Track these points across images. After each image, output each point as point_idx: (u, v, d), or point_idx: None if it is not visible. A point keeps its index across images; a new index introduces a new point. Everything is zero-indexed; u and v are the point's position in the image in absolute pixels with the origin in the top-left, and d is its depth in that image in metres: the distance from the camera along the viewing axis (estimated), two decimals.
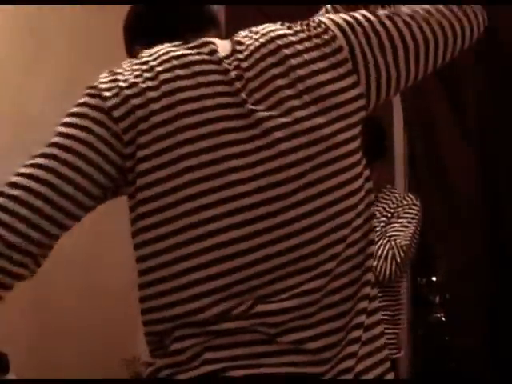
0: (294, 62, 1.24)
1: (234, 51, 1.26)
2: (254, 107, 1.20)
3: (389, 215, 2.58)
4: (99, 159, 1.19)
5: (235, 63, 1.24)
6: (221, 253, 1.17)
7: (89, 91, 1.25)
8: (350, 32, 1.29)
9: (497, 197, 2.79)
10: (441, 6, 1.41)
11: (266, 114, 1.20)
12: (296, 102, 1.21)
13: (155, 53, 1.26)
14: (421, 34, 1.36)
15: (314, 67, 1.24)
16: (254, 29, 1.32)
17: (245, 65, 1.24)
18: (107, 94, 1.21)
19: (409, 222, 2.55)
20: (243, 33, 1.33)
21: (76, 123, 1.20)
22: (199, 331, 1.17)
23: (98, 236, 3.24)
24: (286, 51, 1.25)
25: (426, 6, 1.40)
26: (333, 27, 1.30)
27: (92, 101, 1.22)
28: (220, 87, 1.21)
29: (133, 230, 1.29)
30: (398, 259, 2.44)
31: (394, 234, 2.51)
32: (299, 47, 1.26)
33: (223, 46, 1.29)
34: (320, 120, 1.21)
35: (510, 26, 2.74)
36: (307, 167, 1.19)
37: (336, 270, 1.19)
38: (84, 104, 1.23)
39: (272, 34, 1.27)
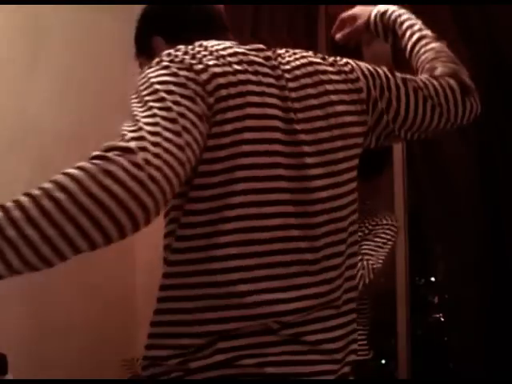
0: (327, 87, 1.38)
1: (279, 63, 1.38)
2: (295, 117, 1.33)
3: (366, 231, 2.56)
4: (202, 129, 1.22)
5: (281, 72, 1.36)
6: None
7: (178, 65, 1.26)
8: (370, 81, 1.45)
9: (496, 197, 2.79)
10: (452, 84, 1.59)
11: (303, 136, 1.33)
12: (323, 124, 1.36)
13: (220, 45, 1.34)
14: (422, 107, 1.50)
15: (342, 96, 1.39)
16: (289, 50, 1.44)
17: (288, 76, 1.36)
18: (198, 67, 1.26)
19: (384, 244, 2.52)
20: (280, 50, 1.44)
21: (182, 93, 1.21)
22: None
23: None
24: (322, 77, 1.39)
25: (440, 82, 1.57)
26: (357, 70, 1.45)
27: (188, 73, 1.25)
28: (274, 89, 1.33)
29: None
30: (367, 280, 2.43)
31: (367, 252, 2.49)
32: (331, 76, 1.40)
33: None
34: (339, 143, 1.37)
35: (510, 25, 2.75)
36: (329, 194, 1.34)
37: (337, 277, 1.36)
38: (177, 74, 1.24)
39: (310, 59, 1.42)
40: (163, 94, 1.19)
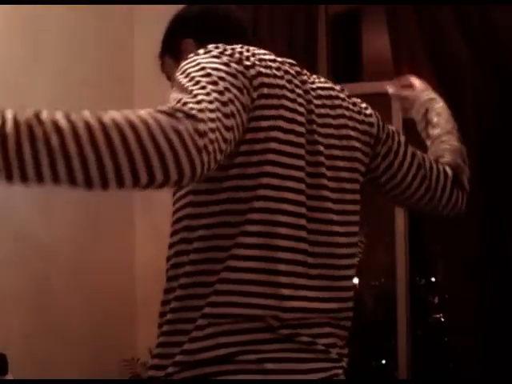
0: (345, 112, 1.47)
1: (306, 80, 1.45)
2: (316, 129, 1.41)
3: None
4: (244, 119, 1.29)
5: (308, 88, 1.44)
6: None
7: (229, 58, 1.33)
8: (381, 124, 1.55)
9: (496, 197, 2.79)
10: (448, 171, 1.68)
11: (321, 147, 1.41)
12: (336, 142, 1.44)
13: (259, 50, 1.41)
14: (420, 182, 1.59)
15: (355, 124, 1.49)
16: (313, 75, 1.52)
17: (313, 94, 1.44)
18: (247, 63, 1.33)
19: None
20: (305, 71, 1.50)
21: (232, 82, 1.28)
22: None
23: (98, 236, 3.24)
24: (341, 102, 1.48)
25: (438, 165, 1.66)
26: (371, 109, 1.57)
27: (238, 66, 1.31)
28: (302, 100, 1.40)
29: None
30: None
31: None
32: (348, 105, 1.50)
33: None
34: (346, 164, 1.45)
35: (510, 25, 2.75)
36: (340, 208, 1.42)
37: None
38: (229, 65, 1.31)
39: (331, 85, 1.51)
40: (216, 79, 1.25)
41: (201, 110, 1.15)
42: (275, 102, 1.34)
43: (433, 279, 4.19)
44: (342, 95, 1.50)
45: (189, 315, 1.31)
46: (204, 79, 1.23)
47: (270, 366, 1.29)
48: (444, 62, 2.87)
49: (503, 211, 2.78)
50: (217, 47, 1.34)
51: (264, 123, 1.32)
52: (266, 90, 1.33)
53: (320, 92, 1.46)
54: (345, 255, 1.43)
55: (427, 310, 4.30)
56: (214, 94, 1.21)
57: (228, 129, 1.20)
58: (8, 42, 2.84)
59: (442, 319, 4.04)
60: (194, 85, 1.22)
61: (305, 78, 1.45)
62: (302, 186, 1.36)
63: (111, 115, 1.09)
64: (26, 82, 2.88)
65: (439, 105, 1.95)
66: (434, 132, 1.85)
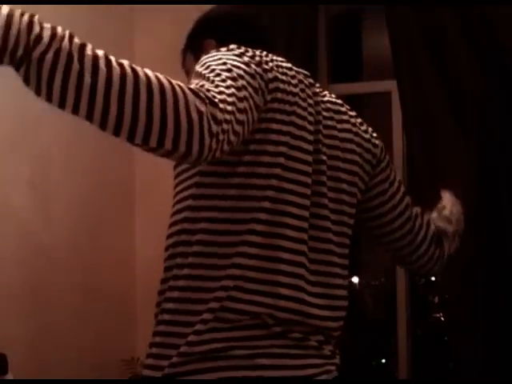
0: (352, 128, 1.52)
1: (319, 92, 1.50)
2: (322, 139, 1.46)
3: None
4: (255, 118, 1.33)
5: (319, 99, 1.48)
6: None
7: (250, 59, 1.37)
8: (384, 151, 1.60)
9: (496, 197, 2.79)
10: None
11: (323, 156, 1.45)
12: (339, 154, 1.48)
13: (278, 57, 1.45)
14: (405, 220, 1.64)
15: (361, 141, 1.54)
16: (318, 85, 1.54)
17: (323, 106, 1.48)
18: (266, 66, 1.37)
19: None
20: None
21: (249, 81, 1.31)
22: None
23: (98, 236, 3.24)
24: (349, 118, 1.54)
25: (429, 221, 1.73)
26: (381, 147, 1.61)
27: (257, 68, 1.35)
28: (312, 109, 1.45)
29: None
30: None
31: None
32: (357, 124, 1.55)
33: None
34: (344, 176, 1.50)
35: (510, 25, 2.74)
36: (336, 218, 1.47)
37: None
38: (249, 65, 1.35)
39: (341, 101, 1.56)
40: (235, 75, 1.29)
41: (221, 100, 1.19)
42: (287, 107, 1.39)
43: (433, 279, 4.20)
44: (350, 113, 1.56)
45: (194, 307, 1.33)
46: (224, 73, 1.27)
47: (262, 361, 1.32)
48: (444, 62, 2.87)
49: (503, 211, 2.78)
50: (239, 47, 1.39)
51: (275, 126, 1.37)
52: (279, 95, 1.38)
53: (329, 105, 1.51)
54: (339, 264, 1.46)
55: (427, 309, 4.30)
56: (233, 89, 1.24)
57: (239, 123, 1.24)
58: None
59: (442, 319, 4.04)
60: (216, 76, 1.26)
61: (316, 90, 1.50)
62: (308, 192, 1.40)
63: (148, 71, 1.15)
64: None
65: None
66: (440, 208, 1.86)
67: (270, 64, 1.39)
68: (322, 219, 1.43)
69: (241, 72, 1.30)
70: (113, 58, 1.14)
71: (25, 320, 2.82)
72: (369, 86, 3.56)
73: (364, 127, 1.58)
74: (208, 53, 1.37)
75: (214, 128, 1.15)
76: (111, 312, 3.28)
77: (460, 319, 2.89)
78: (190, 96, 1.14)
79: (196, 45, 1.61)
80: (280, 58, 1.45)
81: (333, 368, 1.42)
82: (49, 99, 1.13)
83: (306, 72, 1.51)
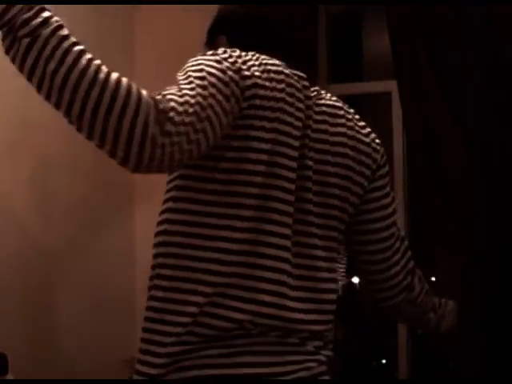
0: (348, 132, 1.50)
1: (314, 96, 1.49)
2: (308, 144, 1.44)
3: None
4: (224, 124, 1.33)
5: (311, 103, 1.47)
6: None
7: (229, 65, 1.37)
8: (385, 159, 1.57)
9: (496, 197, 2.79)
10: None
11: (309, 162, 1.43)
12: (330, 158, 1.47)
13: (270, 60, 1.44)
14: (387, 236, 1.58)
15: (357, 144, 1.51)
16: (329, 96, 1.54)
17: (316, 109, 1.47)
18: (245, 73, 1.37)
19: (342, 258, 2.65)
20: (322, 92, 1.53)
21: (221, 89, 1.33)
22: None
23: (98, 236, 3.24)
24: (347, 123, 1.51)
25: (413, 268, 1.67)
26: (378, 141, 1.58)
27: (234, 75, 1.36)
28: (301, 114, 1.43)
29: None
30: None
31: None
32: (356, 127, 1.53)
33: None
34: (335, 180, 1.48)
35: (510, 25, 2.74)
36: (321, 222, 1.46)
37: None
38: (225, 72, 1.35)
39: (341, 104, 1.54)
40: (206, 83, 1.30)
41: (179, 112, 1.22)
42: (269, 114, 1.38)
43: (433, 279, 4.20)
44: (349, 116, 1.54)
45: (177, 308, 1.36)
46: (197, 81, 1.30)
47: (240, 359, 1.34)
48: (444, 62, 2.86)
49: (503, 211, 2.78)
50: (224, 52, 1.39)
51: (254, 133, 1.37)
52: (258, 102, 1.37)
53: (325, 109, 1.50)
54: (325, 269, 1.46)
55: None
56: (199, 97, 1.27)
57: (199, 131, 1.25)
58: None
59: None
60: (187, 84, 1.29)
61: (311, 93, 1.48)
62: (292, 198, 1.40)
63: (114, 76, 1.18)
64: (26, 81, 2.87)
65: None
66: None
67: (253, 69, 1.39)
68: (306, 225, 1.43)
69: (213, 80, 1.32)
70: (87, 56, 1.18)
71: (25, 320, 2.82)
72: (369, 86, 3.56)
73: (365, 131, 1.56)
74: (197, 55, 1.39)
75: (159, 139, 1.18)
76: (111, 312, 3.28)
77: (460, 320, 2.89)
78: (144, 106, 1.17)
79: (211, 39, 1.62)
80: (271, 61, 1.44)
81: (314, 364, 1.42)
82: (21, 72, 1.26)
83: (300, 74, 1.49)
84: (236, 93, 1.34)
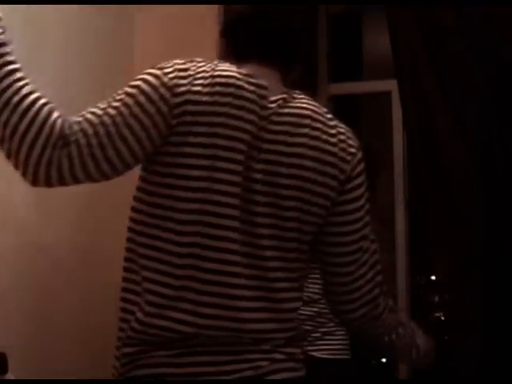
0: (310, 143, 1.44)
1: (274, 105, 1.45)
2: (257, 157, 1.42)
3: None
4: (154, 121, 1.39)
5: (267, 114, 1.44)
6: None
7: (164, 81, 1.41)
8: (358, 170, 1.49)
9: (496, 197, 2.79)
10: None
11: (257, 175, 1.42)
12: (283, 171, 1.43)
13: (225, 72, 1.44)
14: (356, 249, 1.52)
15: (320, 155, 1.45)
16: (307, 103, 1.49)
17: (275, 119, 1.44)
18: (179, 90, 1.40)
19: None
20: (294, 96, 1.50)
21: (144, 108, 1.39)
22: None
23: (98, 236, 3.24)
24: (311, 132, 1.45)
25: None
26: (358, 153, 1.51)
27: (165, 92, 1.40)
28: (251, 126, 1.41)
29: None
30: None
31: None
32: (323, 136, 1.46)
33: (274, 89, 1.48)
34: (294, 193, 1.44)
35: (510, 25, 2.74)
36: (275, 233, 1.43)
37: None
38: (157, 90, 1.41)
39: (309, 112, 1.47)
40: (132, 103, 1.39)
41: (86, 135, 1.36)
42: (206, 129, 1.39)
43: (433, 278, 4.20)
44: (316, 125, 1.47)
45: (130, 308, 1.43)
46: (126, 99, 1.40)
47: (190, 359, 1.38)
48: (444, 61, 2.86)
49: (503, 211, 2.78)
50: (172, 65, 1.44)
51: (189, 149, 1.39)
52: (189, 118, 1.39)
53: (286, 118, 1.45)
54: (282, 279, 1.44)
55: (427, 309, 4.30)
56: (117, 118, 1.37)
57: (107, 149, 1.36)
58: None
59: (442, 318, 4.04)
60: (114, 101, 1.41)
61: (268, 103, 1.45)
62: (236, 213, 1.39)
63: (36, 98, 1.35)
64: None
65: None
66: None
67: (192, 84, 1.40)
68: (256, 238, 1.41)
69: (141, 98, 1.38)
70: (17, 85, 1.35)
71: (25, 319, 2.83)
72: (369, 85, 3.56)
73: (334, 140, 1.47)
74: (154, 67, 1.46)
75: (55, 159, 1.34)
76: (111, 311, 3.28)
77: (460, 319, 2.89)
78: (47, 129, 1.33)
79: (220, 40, 1.63)
80: (225, 73, 1.43)
81: (265, 363, 1.41)
82: None
83: (262, 83, 1.46)
84: (162, 110, 1.38)
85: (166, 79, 1.40)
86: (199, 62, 1.45)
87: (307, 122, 1.46)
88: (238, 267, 1.39)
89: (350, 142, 1.51)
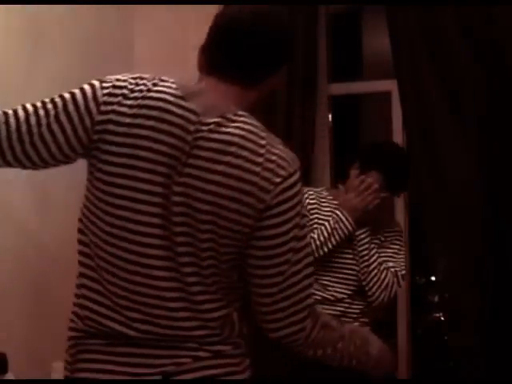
0: (228, 170, 1.43)
1: (205, 122, 1.45)
2: (180, 170, 1.44)
3: (382, 239, 2.67)
4: (75, 129, 1.48)
5: (193, 129, 1.45)
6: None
7: (99, 98, 1.48)
8: (280, 199, 1.46)
9: (496, 196, 2.79)
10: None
11: (177, 188, 1.44)
12: (202, 185, 1.44)
13: (162, 88, 1.47)
14: (277, 273, 1.49)
15: (236, 184, 1.43)
16: (251, 122, 1.49)
17: (204, 135, 1.45)
18: (105, 108, 1.47)
19: (399, 250, 2.66)
20: (233, 119, 1.48)
21: (68, 112, 1.48)
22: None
23: None
24: (233, 160, 1.44)
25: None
26: (287, 179, 1.47)
27: (93, 107, 1.47)
28: (174, 140, 1.44)
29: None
30: (400, 285, 2.59)
31: (388, 260, 2.61)
32: (245, 164, 1.44)
33: (214, 111, 1.48)
34: (209, 217, 1.46)
35: (510, 25, 2.74)
36: (189, 231, 1.46)
37: None
38: (87, 100, 1.48)
39: (237, 139, 1.45)
40: (61, 105, 1.49)
41: (19, 131, 1.48)
42: (125, 150, 1.44)
43: (433, 278, 4.20)
44: (243, 153, 1.44)
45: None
46: (57, 101, 1.51)
47: (118, 349, 1.48)
48: (444, 61, 2.86)
49: (504, 210, 2.78)
50: (111, 80, 1.50)
51: (109, 168, 1.45)
52: (108, 137, 1.45)
53: (212, 144, 1.44)
54: (201, 292, 1.48)
55: (427, 309, 4.30)
56: (43, 119, 1.49)
57: (25, 144, 1.48)
58: (8, 42, 2.84)
59: (442, 318, 4.05)
60: (48, 102, 1.52)
61: (202, 127, 1.45)
62: (149, 230, 1.45)
63: (15, 112, 1.52)
64: (26, 81, 2.88)
65: None
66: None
67: (120, 103, 1.46)
68: (177, 255, 1.46)
69: (70, 106, 1.48)
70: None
71: (25, 319, 2.83)
72: (369, 85, 3.56)
73: (257, 169, 1.44)
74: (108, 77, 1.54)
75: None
76: None
77: (460, 319, 2.89)
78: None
79: None
80: (158, 95, 1.46)
81: (187, 360, 1.47)
82: None
83: (192, 107, 1.46)
84: (86, 122, 1.46)
85: (99, 93, 1.47)
86: (142, 78, 1.49)
87: (232, 149, 1.44)
88: (163, 282, 1.46)
89: (278, 170, 1.46)
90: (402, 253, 2.69)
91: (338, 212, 2.59)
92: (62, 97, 1.50)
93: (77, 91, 1.49)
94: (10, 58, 2.84)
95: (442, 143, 2.87)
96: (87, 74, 3.33)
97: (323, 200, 2.71)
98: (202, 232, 1.45)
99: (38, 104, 1.52)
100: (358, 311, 2.63)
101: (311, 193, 2.71)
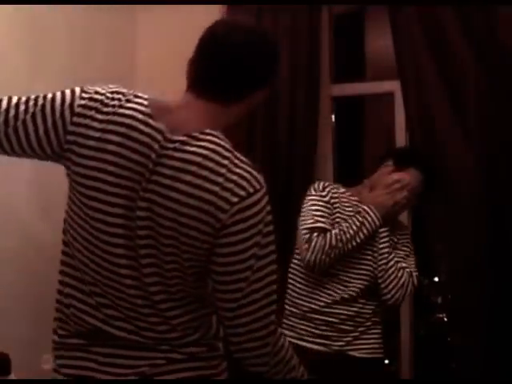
0: (188, 190, 1.45)
1: (174, 148, 1.47)
2: (144, 186, 1.47)
3: (395, 240, 2.66)
4: (47, 132, 1.52)
5: (157, 147, 1.48)
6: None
7: (77, 109, 1.52)
8: (237, 218, 1.47)
9: (498, 197, 2.79)
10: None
11: (140, 213, 1.48)
12: (162, 212, 1.47)
13: (135, 105, 1.50)
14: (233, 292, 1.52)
15: (195, 203, 1.45)
16: (216, 142, 1.49)
17: (168, 153, 1.47)
18: (78, 120, 1.51)
19: (411, 251, 2.66)
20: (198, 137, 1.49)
21: (44, 113, 1.53)
22: None
23: None
24: (194, 180, 1.45)
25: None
26: (236, 200, 1.47)
27: (70, 117, 1.52)
28: (138, 156, 1.47)
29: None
30: (415, 284, 2.58)
31: (400, 260, 2.60)
32: (205, 184, 1.45)
33: (182, 129, 1.49)
34: (169, 233, 1.49)
35: (510, 25, 2.74)
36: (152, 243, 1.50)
37: None
38: (63, 106, 1.53)
39: (200, 159, 1.46)
40: (39, 105, 1.53)
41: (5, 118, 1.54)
42: (91, 163, 1.48)
43: (436, 279, 4.19)
44: (203, 172, 1.46)
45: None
46: (39, 99, 1.54)
47: (96, 349, 1.53)
48: (446, 61, 2.87)
49: (506, 210, 2.78)
50: (92, 91, 1.54)
51: (78, 179, 1.50)
52: (76, 149, 1.50)
53: (173, 163, 1.47)
54: (164, 300, 1.52)
55: (430, 310, 4.30)
56: (25, 115, 1.53)
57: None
58: (8, 42, 2.85)
59: (445, 319, 4.04)
60: (32, 97, 1.55)
61: (169, 144, 1.48)
62: (110, 239, 1.50)
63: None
64: (26, 82, 2.88)
65: None
66: None
67: (93, 118, 1.49)
68: (140, 266, 1.49)
69: (48, 106, 1.52)
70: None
71: (27, 320, 2.83)
72: (372, 86, 3.56)
73: (216, 188, 1.46)
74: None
75: None
76: None
77: (463, 320, 2.89)
78: None
79: None
80: (127, 112, 1.50)
81: (162, 362, 1.51)
82: None
83: (158, 126, 1.48)
84: (58, 131, 1.51)
85: (77, 102, 1.52)
86: (119, 93, 1.53)
87: (193, 168, 1.46)
88: (131, 289, 1.50)
89: (237, 189, 1.47)
90: (412, 255, 2.69)
91: (365, 207, 2.56)
92: (44, 97, 1.54)
93: (58, 94, 1.54)
94: (12, 58, 2.85)
95: (444, 143, 2.87)
96: (88, 74, 3.35)
97: (343, 196, 2.68)
98: (165, 246, 1.48)
99: (23, 99, 1.56)
100: (370, 311, 2.62)
101: (332, 187, 2.67)
